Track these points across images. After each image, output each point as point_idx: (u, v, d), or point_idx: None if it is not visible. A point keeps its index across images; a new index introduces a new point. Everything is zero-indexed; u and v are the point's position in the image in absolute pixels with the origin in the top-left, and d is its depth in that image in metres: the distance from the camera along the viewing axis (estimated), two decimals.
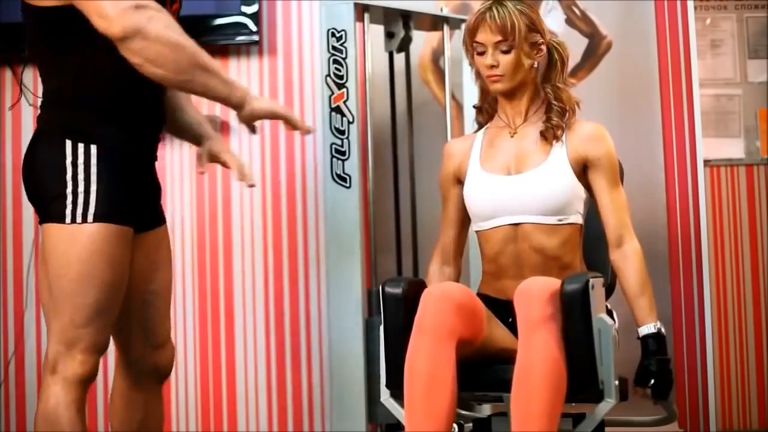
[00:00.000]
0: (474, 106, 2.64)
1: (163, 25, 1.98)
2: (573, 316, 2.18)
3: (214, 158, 2.40)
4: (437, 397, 2.16)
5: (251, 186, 2.32)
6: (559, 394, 2.12)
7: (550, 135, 2.44)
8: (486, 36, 2.41)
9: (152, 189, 2.30)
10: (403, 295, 2.33)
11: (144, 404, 2.31)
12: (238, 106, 2.10)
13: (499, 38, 2.40)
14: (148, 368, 2.31)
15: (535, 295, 2.17)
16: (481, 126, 2.60)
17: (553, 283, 2.20)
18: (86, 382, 2.10)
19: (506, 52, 2.41)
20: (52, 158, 2.10)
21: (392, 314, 2.35)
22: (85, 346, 2.08)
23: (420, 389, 2.17)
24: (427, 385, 2.16)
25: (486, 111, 2.58)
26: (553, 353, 2.12)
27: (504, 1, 2.43)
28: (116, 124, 2.14)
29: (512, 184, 2.43)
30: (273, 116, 2.15)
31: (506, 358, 2.38)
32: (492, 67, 2.42)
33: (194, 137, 2.42)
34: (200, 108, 3.63)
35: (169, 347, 2.37)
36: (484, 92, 2.57)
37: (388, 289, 2.36)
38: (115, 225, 2.10)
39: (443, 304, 2.21)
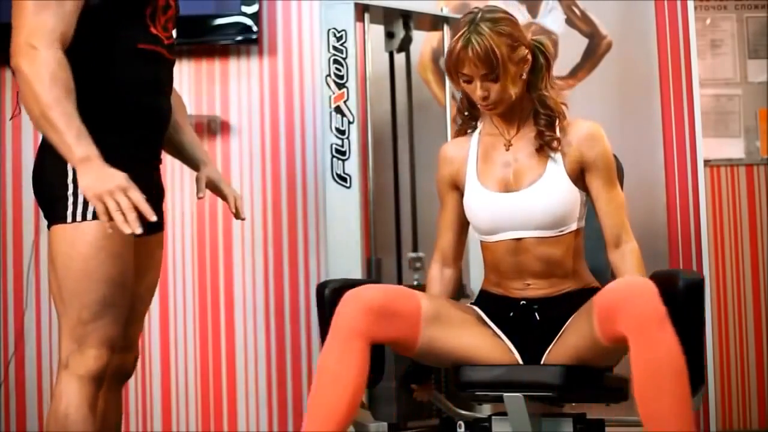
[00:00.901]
0: (457, 111, 2.58)
1: (37, 72, 1.99)
2: (689, 314, 2.16)
3: (211, 186, 2.43)
4: (337, 396, 2.18)
5: (242, 219, 2.45)
6: (688, 391, 2.09)
7: (546, 150, 2.40)
8: (470, 69, 2.33)
9: (154, 194, 2.30)
10: (328, 298, 2.40)
11: (103, 401, 2.32)
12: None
13: (485, 71, 2.33)
14: (112, 368, 2.31)
15: (647, 293, 2.11)
16: (467, 125, 2.54)
17: (650, 282, 2.16)
18: (99, 378, 2.13)
19: (494, 81, 2.34)
20: (55, 164, 2.12)
21: (321, 316, 2.43)
22: (95, 342, 2.11)
23: (322, 388, 2.20)
24: (330, 384, 2.19)
25: (471, 114, 2.53)
26: (679, 351, 2.08)
27: (480, 25, 2.32)
28: (116, 129, 2.16)
29: (512, 201, 2.40)
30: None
31: (483, 360, 2.37)
32: (484, 98, 2.36)
33: (188, 159, 2.46)
34: (202, 105, 3.67)
35: (136, 350, 2.38)
36: (465, 97, 2.50)
37: (317, 292, 2.45)
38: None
39: (354, 306, 2.23)
